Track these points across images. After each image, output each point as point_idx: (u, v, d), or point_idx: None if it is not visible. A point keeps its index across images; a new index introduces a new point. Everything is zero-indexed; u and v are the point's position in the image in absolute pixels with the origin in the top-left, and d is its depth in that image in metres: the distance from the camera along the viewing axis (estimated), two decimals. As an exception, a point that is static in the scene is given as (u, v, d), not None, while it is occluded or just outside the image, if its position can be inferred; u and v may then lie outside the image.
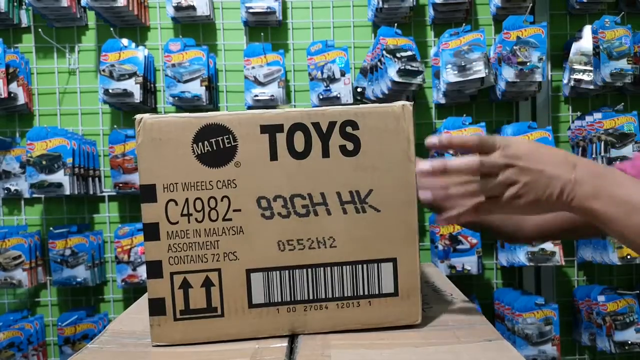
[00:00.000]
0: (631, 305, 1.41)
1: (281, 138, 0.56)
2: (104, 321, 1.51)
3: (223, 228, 0.57)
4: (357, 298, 0.59)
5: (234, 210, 0.57)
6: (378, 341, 0.56)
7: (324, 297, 0.58)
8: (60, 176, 1.38)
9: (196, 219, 0.57)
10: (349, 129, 0.57)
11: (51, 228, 1.47)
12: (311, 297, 0.58)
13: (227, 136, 0.56)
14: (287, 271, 0.58)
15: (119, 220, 1.58)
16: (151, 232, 0.57)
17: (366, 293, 0.59)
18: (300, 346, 0.55)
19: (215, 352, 0.55)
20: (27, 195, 1.50)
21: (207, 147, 0.56)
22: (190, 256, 0.57)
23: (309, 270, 0.58)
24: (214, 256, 0.57)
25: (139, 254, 1.45)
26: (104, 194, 1.55)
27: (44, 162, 1.38)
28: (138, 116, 0.56)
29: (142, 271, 1.46)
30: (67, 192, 1.38)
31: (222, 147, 0.56)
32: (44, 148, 1.39)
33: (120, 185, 1.46)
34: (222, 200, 0.56)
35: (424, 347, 0.54)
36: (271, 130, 0.56)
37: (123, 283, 1.45)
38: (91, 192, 1.49)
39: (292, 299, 0.58)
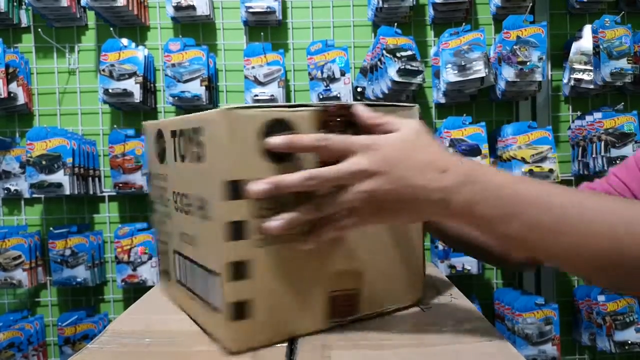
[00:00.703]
0: (631, 305, 1.42)
1: (171, 142, 0.64)
2: (104, 321, 1.51)
3: (166, 213, 0.69)
4: (207, 303, 0.58)
5: (168, 200, 0.67)
6: (378, 342, 0.56)
7: (196, 291, 0.62)
8: (60, 176, 1.38)
9: (159, 203, 0.72)
10: (196, 136, 0.55)
11: (51, 228, 1.47)
12: (190, 287, 0.64)
13: (162, 138, 0.67)
14: (185, 259, 0.64)
15: (119, 220, 1.58)
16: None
17: (209, 301, 0.57)
18: (300, 347, 0.55)
19: (215, 352, 0.55)
20: (27, 195, 1.50)
21: (158, 146, 0.69)
22: (161, 231, 0.73)
23: (188, 261, 0.64)
24: (166, 234, 0.70)
25: (139, 254, 1.45)
26: (104, 194, 1.55)
27: (43, 162, 1.38)
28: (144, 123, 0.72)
29: (142, 271, 1.46)
30: (67, 192, 1.38)
31: (162, 147, 0.67)
32: (43, 148, 1.39)
33: (120, 185, 1.46)
34: (164, 190, 0.69)
35: (424, 347, 0.54)
36: (172, 134, 0.63)
37: (123, 283, 1.45)
38: (91, 192, 1.49)
39: (186, 285, 0.65)
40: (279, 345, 0.56)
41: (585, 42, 1.43)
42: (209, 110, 0.54)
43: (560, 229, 0.48)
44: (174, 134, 0.62)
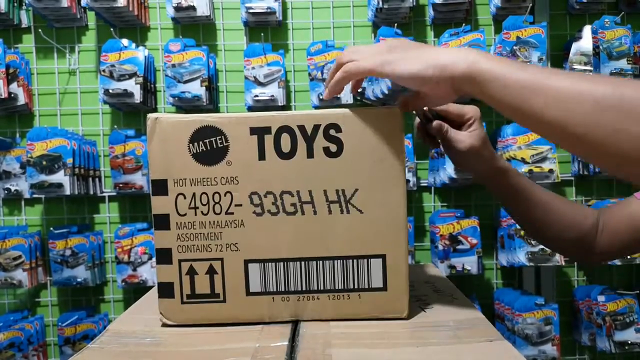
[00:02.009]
0: (631, 305, 1.42)
1: (269, 139, 0.60)
2: (104, 321, 1.51)
3: (226, 221, 0.61)
4: (348, 291, 0.62)
5: (236, 205, 0.61)
6: (379, 340, 0.56)
7: (315, 288, 0.62)
8: (60, 176, 1.39)
9: (202, 212, 0.61)
10: (332, 132, 0.59)
11: (51, 228, 1.47)
12: (304, 289, 0.62)
13: (219, 137, 0.60)
14: (281, 263, 0.62)
15: (119, 220, 1.58)
16: (162, 222, 0.62)
17: (356, 287, 0.62)
18: (301, 345, 0.55)
19: (216, 351, 0.55)
20: (27, 196, 1.50)
21: (201, 146, 0.60)
22: (196, 246, 0.62)
23: (302, 263, 0.61)
24: (217, 247, 0.61)
25: (139, 254, 1.45)
26: (104, 194, 1.55)
27: (44, 163, 1.38)
28: (150, 115, 0.61)
29: (142, 271, 1.46)
30: (68, 193, 1.38)
31: (215, 147, 0.60)
32: (44, 148, 1.39)
33: (121, 185, 1.46)
34: (225, 195, 0.61)
35: (424, 347, 0.54)
36: (260, 132, 0.60)
37: (123, 283, 1.46)
38: (91, 193, 1.49)
39: (286, 290, 0.62)
40: (279, 342, 0.56)
41: (585, 42, 1.44)
42: (345, 109, 0.60)
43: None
44: (263, 131, 0.59)
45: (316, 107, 1.48)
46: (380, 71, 0.56)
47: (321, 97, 1.46)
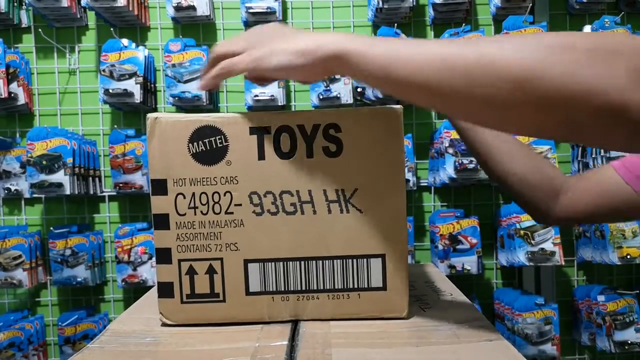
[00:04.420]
0: (631, 305, 1.42)
1: (268, 139, 0.60)
2: (104, 321, 1.51)
3: (226, 221, 0.61)
4: (347, 291, 0.62)
5: (236, 205, 0.61)
6: (379, 340, 0.56)
7: (315, 288, 0.62)
8: (60, 176, 1.39)
9: (202, 212, 0.61)
10: (332, 132, 0.59)
11: (51, 228, 1.47)
12: (304, 288, 0.62)
13: (219, 137, 0.60)
14: (281, 263, 0.61)
15: (119, 220, 1.59)
16: (161, 222, 0.61)
17: (355, 286, 0.62)
18: (301, 345, 0.55)
19: (216, 351, 0.55)
20: (27, 195, 1.50)
21: (201, 146, 0.60)
22: (196, 245, 0.62)
23: (301, 262, 0.61)
24: (217, 246, 0.61)
25: (139, 254, 1.45)
26: (104, 194, 1.55)
27: (44, 162, 1.39)
28: (150, 115, 0.61)
29: (142, 271, 1.46)
30: (68, 192, 1.39)
31: (214, 146, 0.60)
32: (44, 148, 1.39)
33: (121, 185, 1.46)
34: (224, 195, 0.61)
35: (424, 347, 0.54)
36: (259, 132, 0.60)
37: (123, 283, 1.46)
38: (91, 192, 1.49)
39: (286, 289, 0.62)
40: (279, 342, 0.56)
41: (585, 42, 1.43)
42: (345, 108, 0.59)
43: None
44: (263, 131, 0.59)
45: (316, 107, 1.48)
46: (254, 70, 0.58)
47: (321, 97, 1.46)
